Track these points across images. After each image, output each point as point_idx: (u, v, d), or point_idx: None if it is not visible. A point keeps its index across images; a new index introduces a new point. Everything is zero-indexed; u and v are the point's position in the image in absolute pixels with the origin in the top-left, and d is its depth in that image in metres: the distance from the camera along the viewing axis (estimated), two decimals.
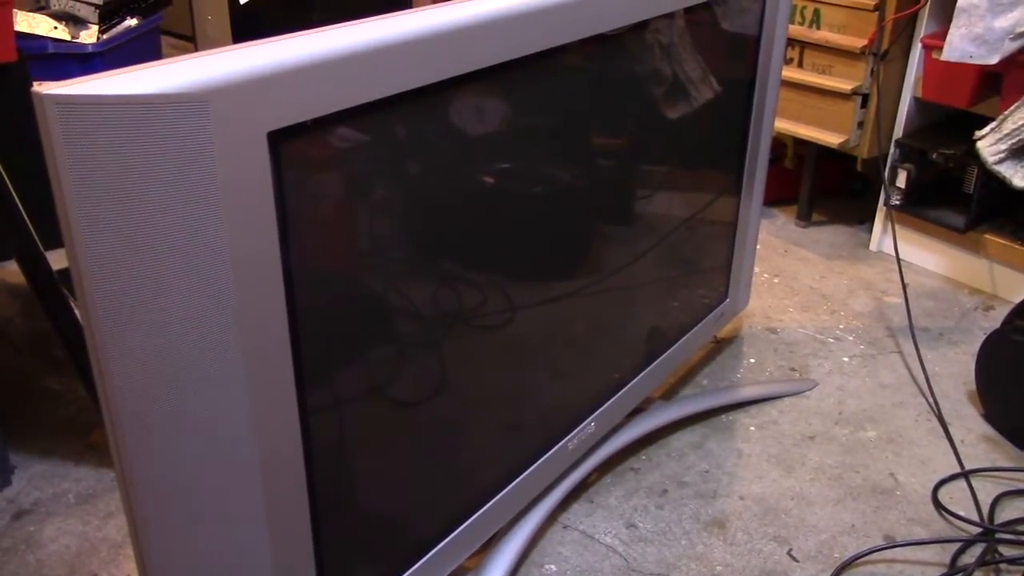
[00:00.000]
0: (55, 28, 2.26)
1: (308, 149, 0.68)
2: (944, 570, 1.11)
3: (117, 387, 0.61)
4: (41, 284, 1.18)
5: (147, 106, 0.55)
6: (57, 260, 1.18)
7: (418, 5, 2.56)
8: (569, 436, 1.11)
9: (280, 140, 0.63)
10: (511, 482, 1.03)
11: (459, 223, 0.87)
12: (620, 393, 1.19)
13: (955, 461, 1.29)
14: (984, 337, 1.38)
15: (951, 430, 1.36)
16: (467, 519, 0.98)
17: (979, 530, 1.17)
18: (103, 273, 0.56)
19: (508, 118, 0.88)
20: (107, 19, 2.44)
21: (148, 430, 0.63)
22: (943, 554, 1.14)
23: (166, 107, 0.56)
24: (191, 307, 0.61)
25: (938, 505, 1.22)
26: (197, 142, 0.58)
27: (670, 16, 1.07)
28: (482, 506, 0.99)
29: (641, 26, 1.02)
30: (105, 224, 0.55)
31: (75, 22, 2.37)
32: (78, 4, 2.56)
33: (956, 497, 1.23)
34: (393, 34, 0.70)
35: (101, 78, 0.54)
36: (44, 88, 0.52)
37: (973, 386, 1.43)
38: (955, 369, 1.51)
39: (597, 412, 1.15)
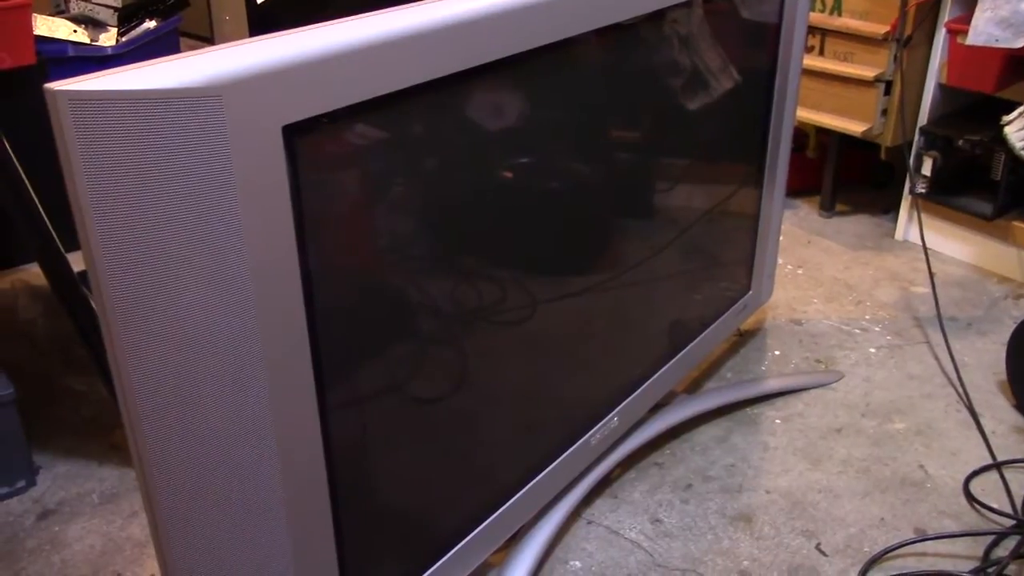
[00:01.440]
0: (74, 31, 2.28)
1: (324, 143, 0.67)
2: (977, 563, 1.09)
3: (135, 385, 0.60)
4: (62, 285, 1.19)
5: (160, 100, 0.54)
6: (78, 261, 1.18)
7: None
8: (592, 431, 1.10)
9: (295, 134, 0.63)
10: (534, 478, 1.02)
11: (477, 218, 0.86)
12: (643, 387, 1.18)
13: (987, 452, 1.27)
14: (1014, 326, 1.35)
15: (982, 421, 1.33)
16: (490, 516, 0.97)
17: (1013, 522, 1.14)
18: (118, 270, 0.56)
19: (525, 110, 0.87)
20: (126, 21, 2.45)
21: (167, 428, 0.62)
22: (975, 547, 1.11)
23: (179, 101, 0.55)
24: (208, 304, 0.60)
25: (970, 497, 1.20)
26: (211, 136, 0.57)
27: (688, 5, 1.05)
28: (505, 502, 0.99)
29: (659, 15, 1.01)
30: (119, 220, 0.55)
31: (94, 25, 2.39)
32: (97, 7, 2.58)
33: (988, 489, 1.21)
34: (408, 26, 0.69)
35: (113, 73, 0.54)
36: (56, 84, 0.52)
37: (1004, 376, 1.40)
38: (985, 359, 1.48)
39: (620, 407, 1.14)
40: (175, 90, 0.55)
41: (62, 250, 1.19)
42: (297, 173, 0.64)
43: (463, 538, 0.94)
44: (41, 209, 1.18)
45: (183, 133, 0.56)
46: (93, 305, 1.17)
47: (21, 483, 1.22)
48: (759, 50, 1.26)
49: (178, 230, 0.57)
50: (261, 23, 2.48)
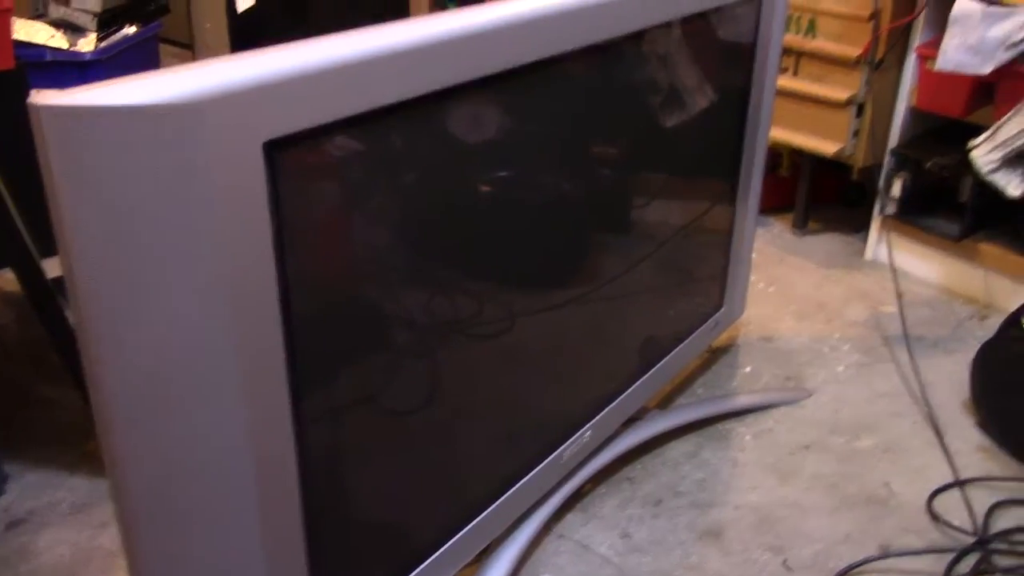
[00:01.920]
0: (53, 36, 2.27)
1: (304, 158, 0.68)
2: None
3: (110, 395, 0.60)
4: (36, 292, 1.18)
5: (143, 116, 0.55)
6: (52, 268, 1.18)
7: (415, 12, 2.57)
8: (564, 445, 1.11)
9: (276, 150, 0.64)
10: (506, 492, 1.03)
11: (455, 232, 0.87)
12: (616, 402, 1.19)
13: (950, 470, 1.30)
14: (979, 347, 1.38)
15: (946, 439, 1.36)
16: (462, 529, 0.97)
17: (974, 539, 1.17)
18: (97, 282, 0.57)
19: (504, 127, 0.88)
20: (105, 27, 2.44)
21: (141, 438, 0.63)
22: (938, 564, 1.14)
23: (162, 117, 0.56)
24: (186, 316, 0.61)
25: (933, 515, 1.22)
26: (193, 152, 0.58)
27: (666, 25, 1.07)
28: (477, 516, 0.99)
29: (637, 35, 1.02)
30: (100, 233, 0.56)
31: (73, 30, 2.37)
32: (76, 12, 2.57)
33: (951, 507, 1.23)
34: (389, 44, 0.70)
35: (97, 88, 0.55)
36: (40, 98, 0.52)
37: (968, 395, 1.43)
38: (950, 378, 1.51)
39: (593, 421, 1.15)
40: (158, 105, 0.55)
41: (36, 256, 1.18)
42: (277, 188, 0.65)
43: (435, 551, 0.94)
44: (16, 214, 1.18)
45: (165, 148, 0.56)
46: (67, 313, 1.17)
47: None
48: (735, 70, 1.28)
49: (158, 244, 0.58)
50: (242, 31, 2.48)
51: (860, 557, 1.14)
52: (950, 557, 1.14)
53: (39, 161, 0.54)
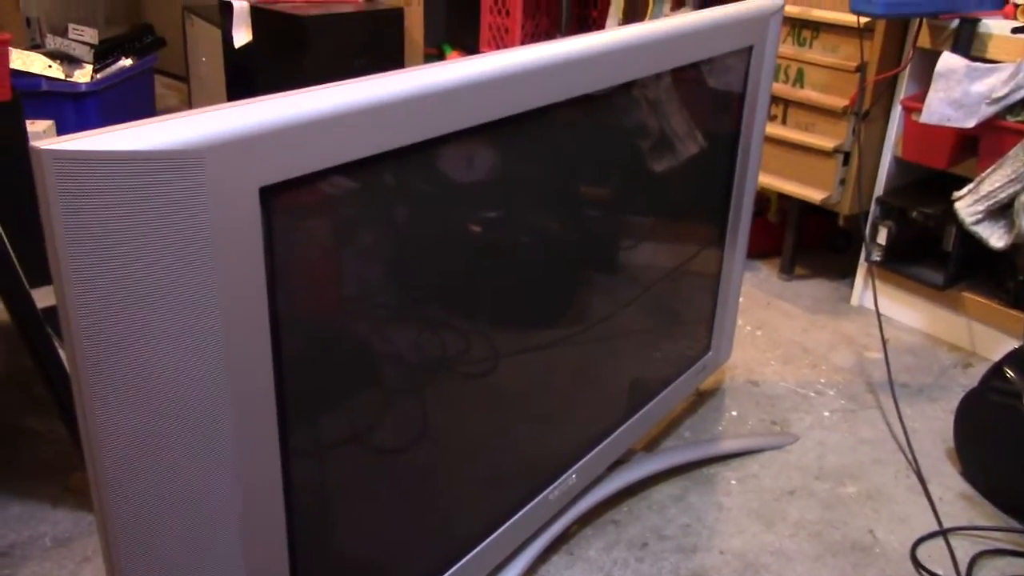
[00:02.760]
0: (49, 67, 2.28)
1: (298, 203, 0.69)
2: None
3: (101, 430, 0.61)
4: (25, 322, 1.18)
5: (145, 162, 0.56)
6: (42, 298, 1.18)
7: (409, 51, 2.59)
8: (551, 487, 1.11)
9: (272, 195, 0.65)
10: (492, 533, 1.03)
11: (445, 274, 0.88)
12: (602, 444, 1.19)
13: (934, 519, 1.30)
14: (963, 395, 1.39)
15: (930, 487, 1.37)
16: (447, 571, 0.97)
17: None
18: (92, 321, 0.57)
19: (495, 173, 0.90)
20: (101, 59, 2.47)
21: (131, 474, 0.63)
22: None
23: (164, 163, 0.57)
24: (178, 354, 0.62)
25: (916, 563, 1.22)
26: (191, 196, 0.59)
27: (657, 75, 1.09)
28: (462, 557, 0.99)
29: (629, 85, 1.04)
30: (96, 273, 0.56)
31: (70, 61, 2.40)
32: (73, 43, 2.59)
33: (935, 555, 1.24)
34: (384, 93, 0.72)
35: (100, 134, 0.56)
36: (43, 143, 0.53)
37: (952, 443, 1.44)
38: (934, 426, 1.52)
39: (579, 463, 1.15)
40: (159, 152, 0.57)
41: (27, 286, 1.18)
42: (272, 232, 0.66)
43: None
44: (7, 243, 1.18)
45: (164, 193, 0.57)
46: (57, 344, 1.17)
47: None
48: (724, 117, 1.31)
49: (153, 284, 0.59)
50: (238, 65, 2.51)
51: None
52: None
53: (39, 202, 0.55)
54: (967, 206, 1.55)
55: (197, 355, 0.63)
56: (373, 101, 0.70)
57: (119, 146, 0.55)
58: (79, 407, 0.61)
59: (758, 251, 2.10)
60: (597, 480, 1.24)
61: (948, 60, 1.55)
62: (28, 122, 1.83)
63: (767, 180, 1.91)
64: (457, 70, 0.78)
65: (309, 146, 0.66)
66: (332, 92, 0.68)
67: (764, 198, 2.11)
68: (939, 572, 1.20)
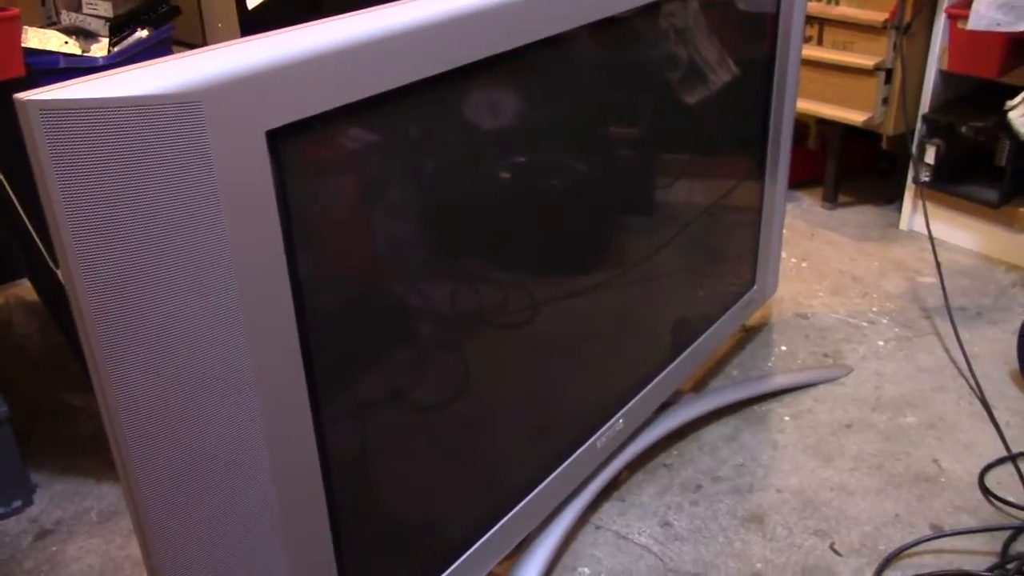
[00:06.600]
0: (65, 43, 2.26)
1: (310, 147, 0.65)
2: (995, 559, 1.07)
3: (118, 401, 0.58)
4: (53, 300, 1.17)
5: (136, 109, 0.52)
6: None
7: None
8: (597, 434, 1.07)
9: (280, 139, 0.60)
10: (540, 484, 1.00)
11: (474, 219, 0.83)
12: (648, 387, 1.15)
13: (1001, 444, 1.24)
14: None
15: (995, 412, 1.31)
16: (495, 524, 0.94)
17: None
18: (96, 284, 0.54)
19: (519, 108, 0.85)
20: (117, 32, 2.43)
21: (154, 445, 0.60)
22: (993, 542, 1.09)
23: (156, 109, 0.53)
24: (194, 315, 0.58)
25: (986, 491, 1.17)
26: (192, 144, 0.55)
27: None
28: (511, 509, 0.96)
29: (654, 8, 0.98)
30: (96, 233, 0.53)
31: (86, 36, 2.37)
32: (88, 18, 2.56)
33: (1004, 482, 1.18)
34: (395, 24, 0.67)
35: (87, 81, 0.52)
36: (27, 93, 0.49)
37: (1016, 365, 1.38)
38: (996, 348, 1.46)
39: (625, 408, 1.12)
40: (152, 97, 0.52)
41: (52, 264, 1.17)
42: (283, 179, 0.62)
43: (468, 548, 0.91)
44: (30, 224, 1.16)
45: (162, 142, 0.53)
46: None
47: (17, 503, 1.20)
48: (757, 42, 1.24)
49: (160, 242, 0.55)
50: (253, 29, 2.46)
51: (911, 538, 1.10)
52: (1006, 535, 1.09)
53: (30, 159, 0.51)
54: (1021, 115, 1.46)
55: (212, 314, 0.59)
56: (384, 31, 0.65)
57: (108, 93, 0.51)
58: (94, 377, 0.58)
59: (799, 180, 2.02)
60: (645, 424, 1.20)
61: None
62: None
63: (805, 105, 1.83)
64: None
65: (318, 84, 0.62)
66: (337, 25, 0.64)
67: (803, 124, 2.03)
68: (1010, 499, 1.15)
